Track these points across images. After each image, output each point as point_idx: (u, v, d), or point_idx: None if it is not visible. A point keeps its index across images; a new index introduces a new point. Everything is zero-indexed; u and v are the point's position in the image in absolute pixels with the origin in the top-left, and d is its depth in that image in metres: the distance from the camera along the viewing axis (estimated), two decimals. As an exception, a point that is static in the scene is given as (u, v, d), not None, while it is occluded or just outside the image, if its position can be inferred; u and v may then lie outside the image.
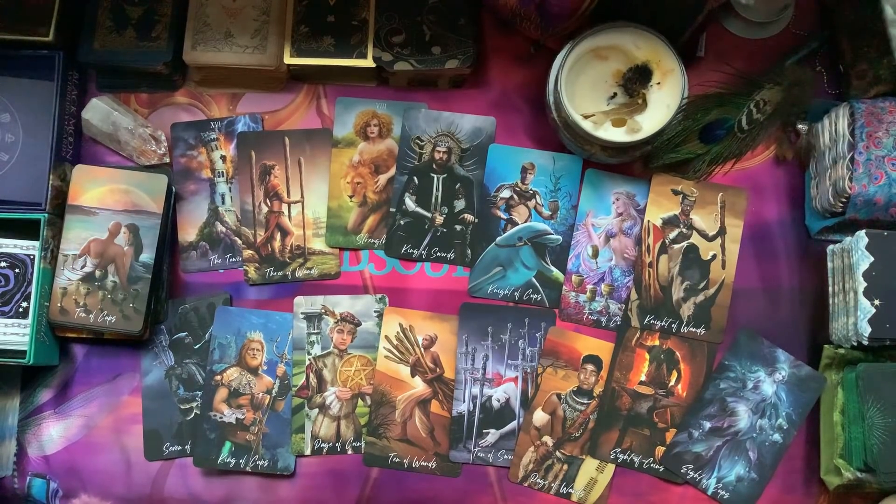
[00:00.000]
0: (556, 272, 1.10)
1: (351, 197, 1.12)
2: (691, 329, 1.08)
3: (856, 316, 1.00)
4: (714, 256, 1.09)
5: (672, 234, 1.10)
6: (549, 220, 1.11)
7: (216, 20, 1.11)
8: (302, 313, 1.10)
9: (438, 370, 1.09)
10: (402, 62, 1.10)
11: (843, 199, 1.02)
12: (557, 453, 1.07)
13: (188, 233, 1.13)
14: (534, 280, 1.11)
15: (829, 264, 1.06)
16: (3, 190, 1.07)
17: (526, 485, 1.07)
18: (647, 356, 1.08)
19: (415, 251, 1.12)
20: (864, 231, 1.00)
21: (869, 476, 1.00)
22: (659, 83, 1.02)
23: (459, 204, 1.12)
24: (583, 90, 1.03)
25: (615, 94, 1.03)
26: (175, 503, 1.09)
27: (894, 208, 1.01)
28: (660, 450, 1.07)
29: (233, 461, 1.07)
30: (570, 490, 1.07)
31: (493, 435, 1.08)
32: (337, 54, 1.11)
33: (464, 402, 1.08)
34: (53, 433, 1.09)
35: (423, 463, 1.08)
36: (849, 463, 1.02)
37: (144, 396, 1.09)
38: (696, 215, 1.10)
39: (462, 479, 1.08)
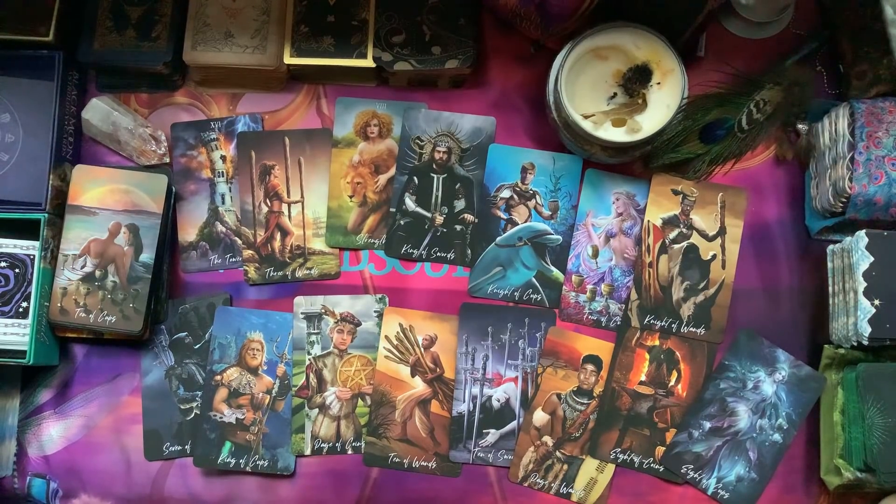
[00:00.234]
0: (556, 272, 1.10)
1: (351, 197, 1.12)
2: (691, 329, 1.08)
3: (856, 316, 1.00)
4: (714, 256, 1.09)
5: (672, 234, 1.10)
6: (549, 220, 1.11)
7: (216, 20, 1.11)
8: (302, 313, 1.10)
9: (438, 370, 1.09)
10: (402, 62, 1.10)
11: (843, 199, 1.03)
12: (557, 453, 1.07)
13: (188, 233, 1.13)
14: (534, 280, 1.11)
15: (829, 264, 1.06)
16: (3, 190, 1.07)
17: (526, 485, 1.07)
18: (647, 356, 1.08)
19: (415, 251, 1.12)
20: (864, 231, 1.00)
21: (869, 476, 1.00)
22: (659, 83, 1.02)
23: (459, 204, 1.12)
24: (583, 90, 1.03)
25: (615, 94, 1.03)
26: (175, 503, 1.09)
27: (894, 208, 1.01)
28: (660, 450, 1.07)
29: (233, 461, 1.07)
30: (570, 490, 1.07)
31: (493, 435, 1.08)
32: (337, 54, 1.11)
33: (464, 402, 1.08)
34: (53, 433, 1.09)
35: (423, 463, 1.08)
36: (849, 463, 1.02)
37: (144, 396, 1.10)
38: (696, 215, 1.10)
39: (462, 479, 1.08)
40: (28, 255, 1.05)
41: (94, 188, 1.07)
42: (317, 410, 1.09)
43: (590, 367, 1.08)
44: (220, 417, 1.08)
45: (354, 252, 1.13)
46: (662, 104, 1.02)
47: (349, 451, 1.08)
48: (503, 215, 1.11)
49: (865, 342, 0.99)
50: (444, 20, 1.11)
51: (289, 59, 1.11)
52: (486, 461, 1.08)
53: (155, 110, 1.15)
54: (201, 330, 1.10)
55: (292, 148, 1.13)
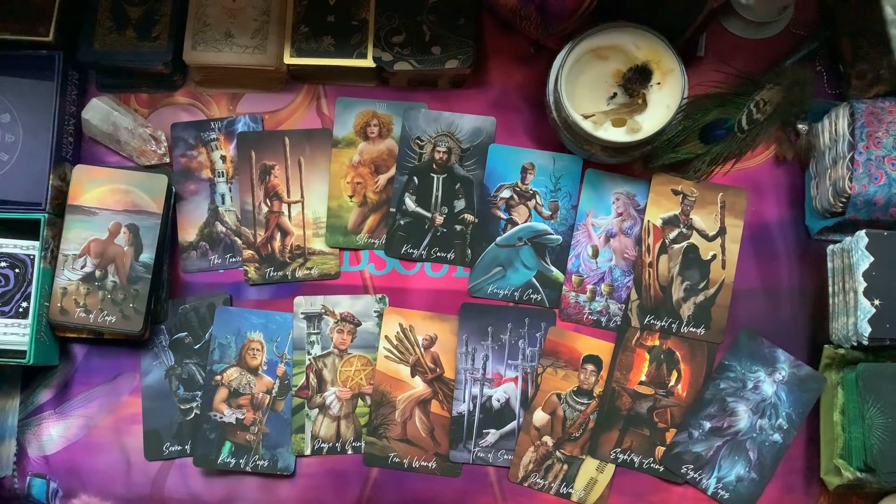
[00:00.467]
0: (556, 272, 1.10)
1: (351, 197, 1.12)
2: (691, 329, 1.08)
3: (856, 316, 1.00)
4: (714, 256, 1.09)
5: (672, 234, 1.10)
6: (549, 220, 1.11)
7: (216, 20, 1.11)
8: (302, 313, 1.10)
9: (438, 370, 1.09)
10: (402, 62, 1.10)
11: (843, 199, 1.03)
12: (557, 453, 1.07)
13: (188, 233, 1.13)
14: (534, 280, 1.11)
15: (829, 264, 1.06)
16: (3, 190, 1.07)
17: (526, 485, 1.07)
18: (647, 356, 1.08)
19: (415, 251, 1.12)
20: (864, 231, 1.00)
21: (869, 476, 1.00)
22: (659, 83, 1.02)
23: (459, 204, 1.12)
24: (583, 90, 1.03)
25: (615, 94, 1.03)
26: (175, 503, 1.09)
27: (894, 208, 1.01)
28: (660, 450, 1.07)
29: (233, 461, 1.07)
30: (570, 490, 1.07)
31: (493, 435, 1.08)
32: (337, 54, 1.11)
33: (464, 402, 1.08)
34: (53, 433, 1.09)
35: (423, 463, 1.08)
36: (849, 463, 1.02)
37: (144, 396, 1.10)
38: (696, 215, 1.10)
39: (462, 479, 1.08)
40: (28, 255, 1.05)
41: (94, 188, 1.07)
42: (317, 410, 1.09)
43: (590, 367, 1.08)
44: (220, 417, 1.08)
45: (354, 252, 1.13)
46: (662, 104, 1.02)
47: (349, 451, 1.08)
48: (503, 215, 1.12)
49: (865, 342, 0.99)
50: (444, 20, 1.11)
51: (289, 59, 1.11)
52: (486, 461, 1.08)
53: (155, 110, 1.15)
54: (201, 330, 1.10)
55: (292, 148, 1.13)
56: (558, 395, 1.08)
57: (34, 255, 1.05)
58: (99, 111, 1.11)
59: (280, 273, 1.11)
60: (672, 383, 1.08)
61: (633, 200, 1.11)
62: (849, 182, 1.01)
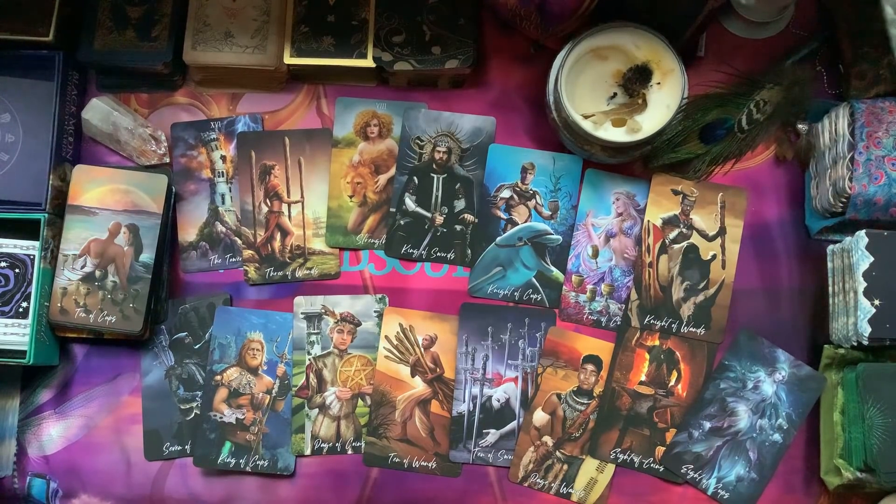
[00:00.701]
0: (556, 272, 1.10)
1: (351, 197, 1.12)
2: (691, 329, 1.08)
3: (856, 316, 1.00)
4: (714, 256, 1.09)
5: (672, 234, 1.10)
6: (549, 220, 1.11)
7: (216, 20, 1.11)
8: (302, 313, 1.10)
9: (438, 370, 1.09)
10: (402, 62, 1.10)
11: (843, 199, 1.03)
12: (557, 453, 1.07)
13: (188, 233, 1.13)
14: (534, 280, 1.11)
15: (829, 264, 1.06)
16: (3, 190, 1.07)
17: (526, 485, 1.07)
18: (647, 356, 1.08)
19: (415, 251, 1.12)
20: (864, 231, 1.00)
21: (869, 476, 1.00)
22: (659, 83, 1.02)
23: (459, 204, 1.12)
24: (583, 90, 1.03)
25: (615, 94, 1.03)
26: (175, 503, 1.09)
27: (894, 208, 1.01)
28: (660, 450, 1.07)
29: (233, 461, 1.07)
30: (570, 490, 1.07)
31: (493, 435, 1.08)
32: (337, 54, 1.11)
33: (464, 402, 1.08)
34: (53, 433, 1.10)
35: (423, 463, 1.08)
36: (849, 463, 1.02)
37: (144, 396, 1.10)
38: (696, 215, 1.10)
39: (462, 479, 1.08)
40: (28, 255, 1.05)
41: (94, 188, 1.07)
42: (317, 410, 1.09)
43: (590, 367, 1.08)
44: (220, 417, 1.08)
45: (354, 252, 1.13)
46: (662, 104, 1.02)
47: (349, 451, 1.08)
48: (503, 215, 1.11)
49: (865, 342, 0.99)
50: (444, 20, 1.11)
51: (289, 59, 1.11)
52: (486, 461, 1.08)
53: (155, 110, 1.15)
54: (201, 330, 1.10)
55: (292, 148, 1.13)
56: (558, 395, 1.08)
57: (34, 255, 1.05)
58: (99, 111, 1.11)
59: (280, 273, 1.11)
60: (672, 383, 1.08)
61: (633, 200, 1.11)
62: (849, 182, 1.01)
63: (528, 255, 1.11)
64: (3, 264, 1.05)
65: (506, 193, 1.12)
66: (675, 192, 1.10)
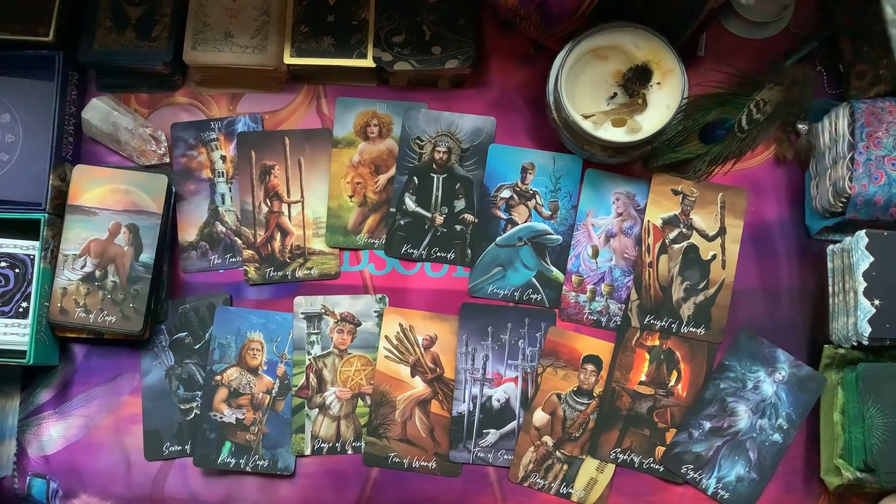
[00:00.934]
0: (556, 272, 1.10)
1: (351, 197, 1.12)
2: (691, 329, 1.08)
3: (856, 316, 1.00)
4: (714, 256, 1.09)
5: (672, 234, 1.10)
6: (549, 220, 1.11)
7: (216, 20, 1.11)
8: (302, 313, 1.10)
9: (438, 370, 1.09)
10: (402, 62, 1.10)
11: (843, 199, 1.03)
12: (557, 453, 1.07)
13: (188, 233, 1.13)
14: (534, 280, 1.11)
15: (829, 264, 1.06)
16: (3, 190, 1.07)
17: (526, 485, 1.07)
18: (647, 356, 1.08)
19: (415, 251, 1.12)
20: (864, 231, 1.00)
21: (869, 476, 1.00)
22: (659, 83, 1.02)
23: (459, 204, 1.12)
24: (583, 90, 1.03)
25: (615, 94, 1.03)
26: (175, 503, 1.09)
27: (894, 208, 1.01)
28: (660, 450, 1.07)
29: (233, 461, 1.07)
30: (570, 490, 1.07)
31: (493, 435, 1.08)
32: (337, 54, 1.11)
33: (464, 402, 1.08)
34: (53, 433, 1.09)
35: (423, 463, 1.08)
36: (849, 463, 1.02)
37: (144, 396, 1.10)
38: (696, 215, 1.10)
39: (462, 479, 1.08)
40: (28, 255, 1.05)
41: (94, 188, 1.07)
42: (317, 410, 1.09)
43: (590, 367, 1.08)
44: (220, 417, 1.08)
45: (354, 252, 1.13)
46: (662, 104, 1.02)
47: (349, 451, 1.08)
48: (503, 215, 1.12)
49: (865, 342, 0.99)
50: (444, 20, 1.11)
51: (289, 59, 1.11)
52: (486, 461, 1.08)
53: (155, 110, 1.15)
54: (201, 330, 1.10)
55: (292, 148, 1.13)
56: (558, 395, 1.08)
57: (34, 255, 1.05)
58: (99, 111, 1.11)
59: (280, 273, 1.11)
60: (672, 383, 1.08)
61: (633, 200, 1.11)
62: (849, 182, 1.01)
63: (528, 255, 1.11)
64: (3, 264, 1.05)
65: (506, 193, 1.12)
66: (675, 192, 1.10)
